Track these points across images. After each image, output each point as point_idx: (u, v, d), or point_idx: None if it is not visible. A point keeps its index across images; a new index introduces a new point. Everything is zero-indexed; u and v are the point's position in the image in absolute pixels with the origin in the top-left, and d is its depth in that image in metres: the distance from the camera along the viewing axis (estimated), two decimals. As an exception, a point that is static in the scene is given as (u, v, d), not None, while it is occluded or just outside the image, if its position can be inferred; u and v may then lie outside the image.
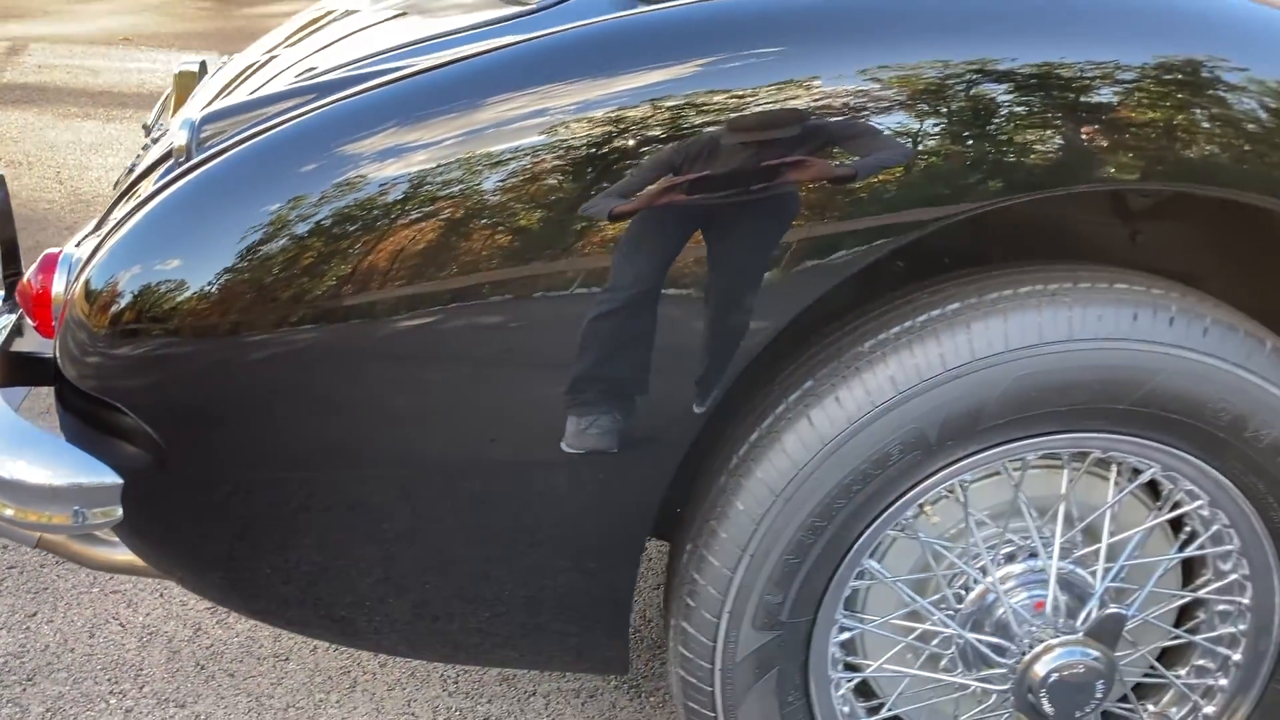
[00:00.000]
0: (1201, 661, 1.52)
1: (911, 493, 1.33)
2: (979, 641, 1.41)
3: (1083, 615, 1.38)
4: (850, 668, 1.49)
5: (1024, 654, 1.37)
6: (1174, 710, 1.53)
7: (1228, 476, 1.36)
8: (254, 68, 1.75)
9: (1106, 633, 1.35)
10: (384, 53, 1.54)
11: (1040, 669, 1.36)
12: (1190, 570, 1.51)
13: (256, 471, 1.34)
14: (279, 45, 1.83)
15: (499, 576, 1.37)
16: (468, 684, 1.98)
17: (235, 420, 1.32)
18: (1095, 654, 1.35)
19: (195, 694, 1.93)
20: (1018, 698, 1.38)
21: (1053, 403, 1.29)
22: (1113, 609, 1.36)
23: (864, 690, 1.52)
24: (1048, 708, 1.36)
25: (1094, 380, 1.28)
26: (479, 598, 1.39)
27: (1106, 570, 1.40)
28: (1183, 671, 1.53)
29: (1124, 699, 1.53)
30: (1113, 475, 1.41)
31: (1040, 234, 1.56)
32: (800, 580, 1.35)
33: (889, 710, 1.50)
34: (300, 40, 1.82)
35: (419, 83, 1.29)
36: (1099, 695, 1.36)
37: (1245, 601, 1.44)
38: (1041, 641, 1.36)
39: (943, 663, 1.48)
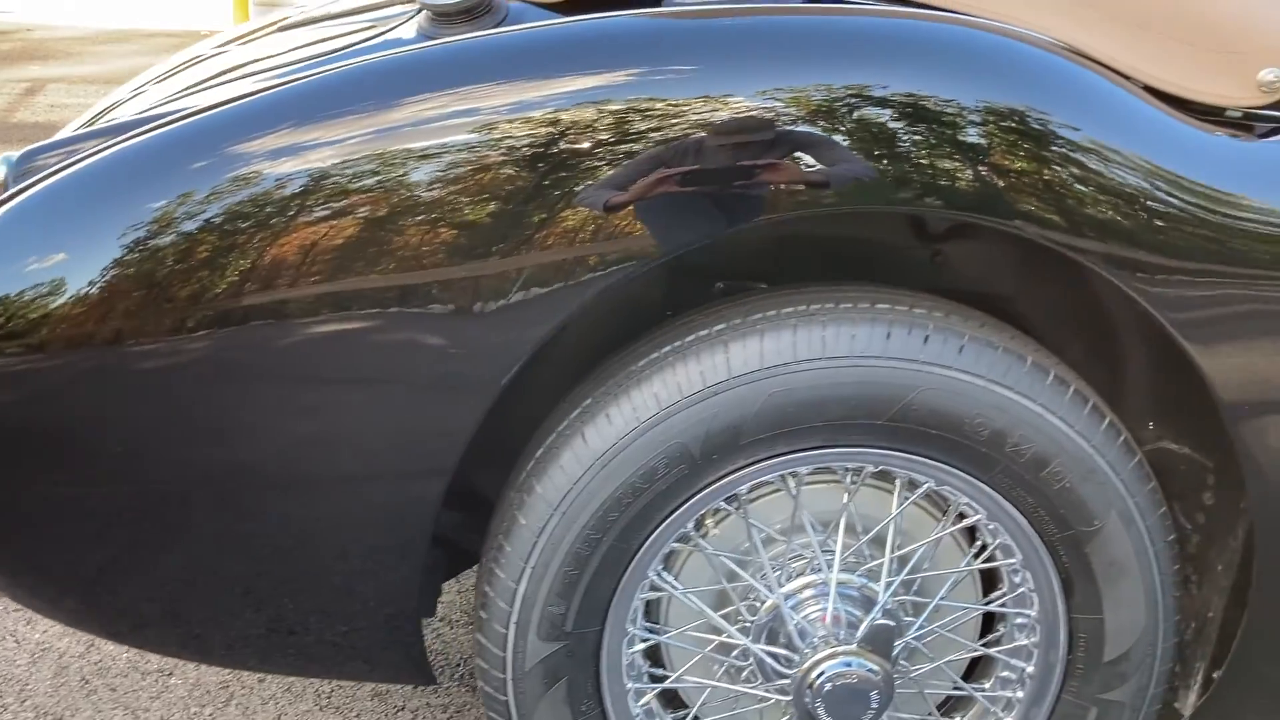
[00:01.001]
0: (1004, 674, 1.55)
1: (685, 506, 1.38)
2: (765, 653, 1.45)
3: (862, 627, 1.42)
4: (659, 678, 1.54)
5: (803, 665, 1.41)
6: (982, 721, 1.56)
7: (997, 491, 1.39)
8: (115, 104, 1.84)
9: (879, 644, 1.39)
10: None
11: (815, 679, 1.39)
12: (991, 583, 1.54)
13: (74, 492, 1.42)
14: (148, 82, 1.92)
15: (295, 591, 1.43)
16: (340, 699, 2.04)
17: (50, 445, 1.40)
18: (869, 665, 1.39)
19: (74, 708, 2.00)
20: (798, 708, 1.41)
21: (809, 419, 1.33)
22: (881, 620, 1.39)
23: (677, 699, 1.57)
24: (825, 717, 1.40)
25: (848, 397, 1.33)
26: (279, 611, 1.45)
27: (891, 582, 1.44)
28: (988, 684, 1.56)
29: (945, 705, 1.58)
30: (896, 489, 1.45)
31: (857, 256, 1.61)
32: (582, 591, 1.39)
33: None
34: (167, 78, 1.91)
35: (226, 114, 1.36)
36: (875, 706, 1.39)
37: (1033, 614, 1.47)
38: (818, 653, 1.40)
39: (744, 674, 1.52)
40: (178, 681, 2.07)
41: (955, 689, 1.56)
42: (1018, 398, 1.34)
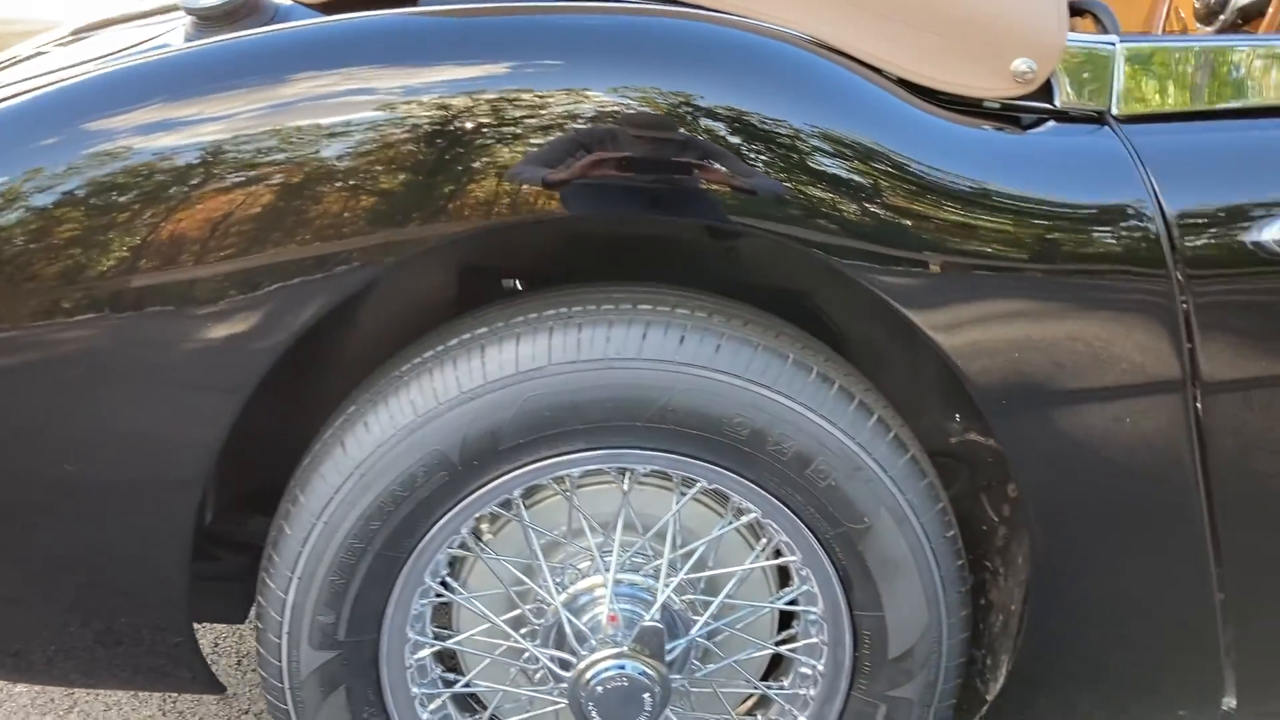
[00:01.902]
0: (803, 670, 1.54)
1: (452, 512, 1.37)
2: (547, 656, 1.44)
3: (635, 630, 1.41)
4: (453, 683, 1.53)
5: (577, 667, 1.40)
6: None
7: (765, 489, 1.38)
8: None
9: (651, 645, 1.38)
10: None
11: (588, 681, 1.39)
12: (788, 581, 1.54)
13: None
14: None
15: (74, 599, 1.42)
16: (185, 704, 2.03)
17: None
18: (641, 667, 1.38)
19: (-86, 718, 2.00)
20: (574, 710, 1.41)
21: (567, 422, 1.32)
22: (649, 622, 1.38)
23: (474, 702, 1.56)
24: (597, 718, 1.39)
25: (604, 399, 1.31)
26: (58, 620, 1.44)
27: (671, 582, 1.43)
28: (786, 682, 1.55)
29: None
30: (676, 489, 1.44)
31: (659, 254, 1.59)
32: (351, 600, 1.38)
33: (492, 725, 1.54)
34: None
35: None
36: (648, 708, 1.39)
37: (818, 611, 1.47)
38: (590, 656, 1.39)
39: (537, 676, 1.51)
40: (22, 689, 2.06)
41: (753, 688, 1.55)
42: (777, 396, 1.33)
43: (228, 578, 1.66)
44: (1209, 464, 1.34)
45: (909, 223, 1.25)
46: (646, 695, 1.38)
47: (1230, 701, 1.53)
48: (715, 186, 1.25)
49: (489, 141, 1.24)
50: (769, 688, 1.53)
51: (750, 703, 1.63)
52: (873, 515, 1.37)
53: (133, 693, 2.05)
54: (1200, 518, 1.38)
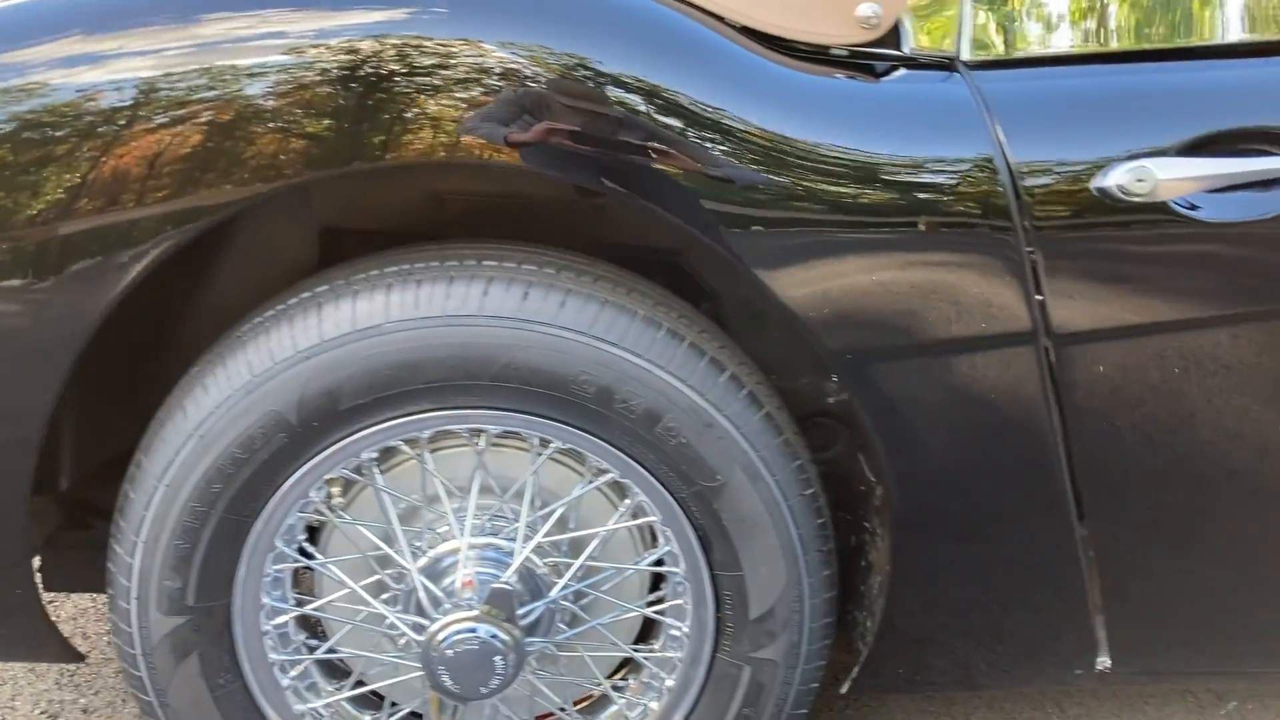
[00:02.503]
0: (672, 633, 1.52)
1: (297, 475, 1.35)
2: (402, 621, 1.42)
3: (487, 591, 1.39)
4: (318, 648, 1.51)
5: (428, 631, 1.38)
6: (650, 683, 1.53)
7: (618, 448, 1.36)
8: None
9: (501, 608, 1.36)
10: None
11: (438, 644, 1.36)
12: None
13: None
14: None
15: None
16: (82, 678, 2.01)
17: None
18: (492, 630, 1.36)
19: None
20: (429, 675, 1.38)
21: (409, 381, 1.29)
22: (499, 585, 1.36)
23: (343, 668, 1.54)
24: (449, 683, 1.37)
25: (444, 358, 1.29)
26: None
27: (529, 544, 1.41)
28: (657, 645, 1.53)
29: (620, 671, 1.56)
30: (532, 450, 1.41)
31: (530, 212, 1.56)
32: (199, 565, 1.36)
33: (356, 689, 1.51)
34: None
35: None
36: (500, 671, 1.36)
37: (681, 572, 1.45)
38: (440, 619, 1.37)
39: (402, 642, 1.49)
40: (-84, 665, 2.04)
41: (637, 650, 1.53)
42: (623, 353, 1.30)
43: (102, 546, 1.64)
44: (1066, 418, 1.32)
45: (745, 176, 1.22)
46: (498, 659, 1.36)
47: (1105, 661, 1.51)
48: (542, 141, 1.22)
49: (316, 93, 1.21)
50: (636, 651, 1.51)
51: (628, 669, 1.61)
52: (726, 473, 1.35)
53: (30, 666, 2.03)
54: (1061, 473, 1.36)
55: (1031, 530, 1.41)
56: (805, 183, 1.23)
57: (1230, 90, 1.24)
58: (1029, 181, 1.23)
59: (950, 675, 1.52)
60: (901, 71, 1.29)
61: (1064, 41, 1.29)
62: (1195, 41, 1.28)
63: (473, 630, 1.36)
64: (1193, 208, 1.23)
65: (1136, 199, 1.21)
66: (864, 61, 1.31)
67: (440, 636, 1.36)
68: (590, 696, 1.58)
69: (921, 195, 1.24)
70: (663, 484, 1.37)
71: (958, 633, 1.49)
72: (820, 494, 1.43)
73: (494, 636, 1.36)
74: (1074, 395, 1.30)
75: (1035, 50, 1.29)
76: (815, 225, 1.25)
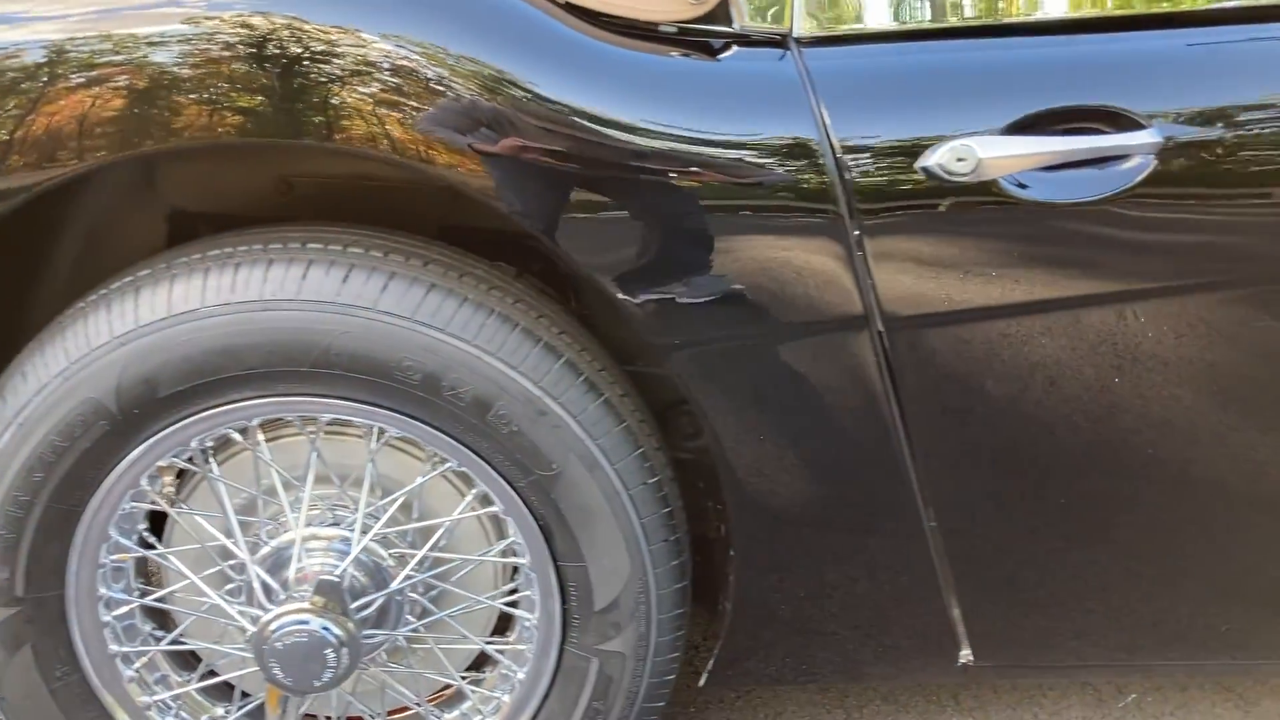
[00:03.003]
0: (525, 624, 1.48)
1: (124, 462, 1.32)
2: (239, 612, 1.39)
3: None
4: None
5: (259, 623, 1.35)
6: (505, 676, 1.50)
7: (452, 437, 1.32)
8: None
9: (332, 599, 1.33)
10: None
11: (268, 637, 1.33)
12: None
13: None
14: None
15: None
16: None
17: None
18: (323, 622, 1.33)
19: None
20: (261, 667, 1.36)
21: (228, 368, 1.26)
22: (327, 576, 1.33)
23: (196, 659, 1.52)
24: (280, 675, 1.34)
25: (263, 344, 1.25)
26: None
27: (373, 534, 1.38)
28: (512, 637, 1.50)
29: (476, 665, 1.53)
30: (368, 438, 1.38)
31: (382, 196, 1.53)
32: (26, 555, 1.33)
33: (206, 679, 1.49)
34: None
35: None
36: (333, 665, 1.33)
37: (527, 563, 1.41)
38: (269, 612, 1.34)
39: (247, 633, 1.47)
40: None
41: (491, 643, 1.50)
42: (449, 339, 1.27)
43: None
44: (904, 407, 1.29)
45: (552, 158, 1.19)
46: (330, 651, 1.33)
47: (967, 654, 1.48)
48: (346, 120, 1.18)
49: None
50: (487, 643, 1.48)
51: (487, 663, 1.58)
52: (561, 462, 1.32)
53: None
54: (904, 462, 1.32)
55: (880, 521, 1.37)
56: (624, 166, 1.20)
57: (1061, 67, 1.20)
58: (854, 163, 1.19)
59: (809, 669, 1.49)
60: (735, 49, 1.25)
61: (898, 18, 1.24)
62: (1027, 18, 1.24)
63: (302, 622, 1.33)
64: (1023, 187, 1.19)
65: (961, 179, 1.17)
66: (697, 39, 1.28)
67: (271, 628, 1.34)
68: (450, 689, 1.55)
69: (746, 179, 1.20)
70: (500, 473, 1.34)
71: (813, 626, 1.45)
72: (668, 482, 1.40)
73: (325, 629, 1.33)
74: (909, 382, 1.27)
75: (870, 26, 1.24)
76: (636, 211, 1.21)
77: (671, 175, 1.20)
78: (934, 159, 1.17)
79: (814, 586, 1.42)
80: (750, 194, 1.21)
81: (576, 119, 1.19)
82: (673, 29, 1.26)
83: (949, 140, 1.17)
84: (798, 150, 1.19)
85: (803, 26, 1.23)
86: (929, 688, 1.94)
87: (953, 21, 1.23)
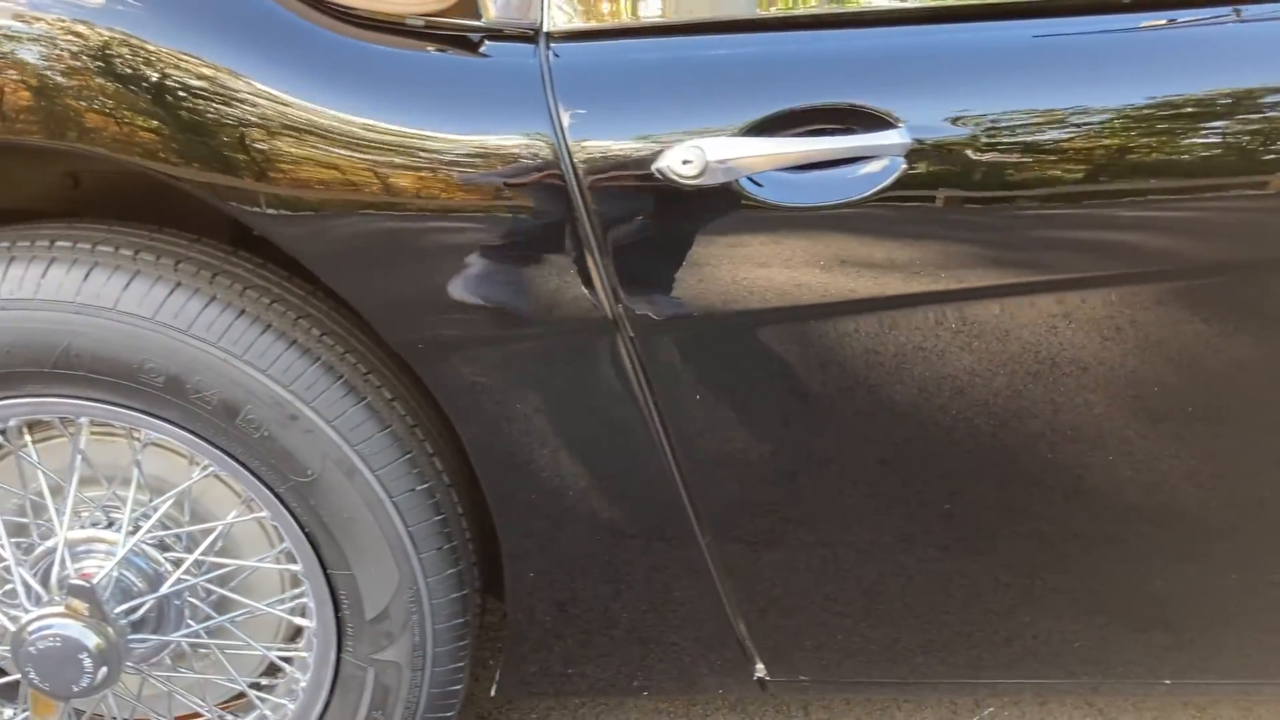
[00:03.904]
0: (311, 633, 1.45)
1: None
2: (2, 615, 1.37)
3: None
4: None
5: (15, 627, 1.33)
6: (292, 682, 1.47)
7: (206, 440, 1.29)
8: None
9: (87, 603, 1.30)
10: None
11: (23, 642, 1.31)
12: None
13: None
14: None
15: None
16: None
17: None
18: (78, 626, 1.30)
19: None
20: (20, 672, 1.34)
21: (-32, 368, 1.24)
22: (77, 580, 1.31)
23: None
24: (37, 679, 1.32)
25: (5, 343, 1.23)
26: None
27: (139, 538, 1.35)
28: (300, 644, 1.47)
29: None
30: (129, 441, 1.35)
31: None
32: None
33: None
34: None
35: None
36: (89, 669, 1.31)
37: (300, 570, 1.38)
38: (24, 615, 1.32)
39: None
40: None
41: (284, 650, 1.47)
42: (192, 340, 1.24)
43: None
44: (663, 415, 1.24)
45: (284, 158, 1.14)
46: (85, 656, 1.31)
47: (761, 669, 1.43)
48: (59, 111, 1.15)
49: None
50: (269, 649, 1.45)
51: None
52: (317, 468, 1.28)
53: None
54: (672, 473, 1.27)
55: (656, 532, 1.32)
56: (359, 165, 1.16)
57: (809, 63, 1.13)
58: (590, 166, 1.13)
59: (599, 679, 1.45)
60: (485, 45, 1.21)
61: (648, 11, 1.20)
62: (778, 12, 1.18)
63: (50, 627, 1.31)
64: (761, 188, 1.13)
65: (691, 182, 1.11)
66: (451, 34, 1.23)
67: (27, 631, 1.31)
68: (242, 695, 1.52)
69: (483, 181, 1.15)
70: (258, 478, 1.31)
71: (596, 635, 1.41)
72: (443, 489, 1.36)
73: (79, 634, 1.31)
74: (665, 391, 1.22)
75: (622, 21, 1.19)
76: (368, 211, 1.16)
77: (406, 175, 1.15)
78: (665, 161, 1.12)
79: (592, 596, 1.37)
80: (487, 197, 1.16)
81: (300, 114, 1.14)
82: (420, 23, 1.22)
83: (681, 141, 1.12)
84: (535, 152, 1.14)
85: (553, 20, 1.18)
86: (778, 699, 1.90)
87: (707, 16, 1.17)
